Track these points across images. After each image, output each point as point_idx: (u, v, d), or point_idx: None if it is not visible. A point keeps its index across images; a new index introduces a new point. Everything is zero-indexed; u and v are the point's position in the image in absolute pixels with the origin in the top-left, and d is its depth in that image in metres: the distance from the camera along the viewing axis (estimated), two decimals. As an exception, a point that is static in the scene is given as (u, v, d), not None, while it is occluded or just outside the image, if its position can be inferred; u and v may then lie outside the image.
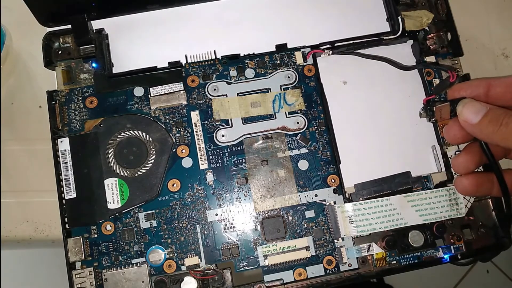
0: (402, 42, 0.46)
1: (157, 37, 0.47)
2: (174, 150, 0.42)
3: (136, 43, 0.46)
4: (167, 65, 0.44)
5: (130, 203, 0.41)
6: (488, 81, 0.34)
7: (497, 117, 0.31)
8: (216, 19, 0.47)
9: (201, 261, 0.40)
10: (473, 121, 0.32)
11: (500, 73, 0.51)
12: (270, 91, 0.43)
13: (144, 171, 0.41)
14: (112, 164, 0.41)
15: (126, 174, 0.41)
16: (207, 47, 0.45)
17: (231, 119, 0.43)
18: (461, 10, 0.48)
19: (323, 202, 0.41)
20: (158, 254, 0.40)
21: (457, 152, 0.43)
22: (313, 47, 0.44)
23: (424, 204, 0.40)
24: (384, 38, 0.45)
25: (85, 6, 0.43)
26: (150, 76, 0.43)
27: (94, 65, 0.44)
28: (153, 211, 0.41)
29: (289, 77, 0.44)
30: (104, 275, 0.40)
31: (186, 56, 0.44)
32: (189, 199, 0.41)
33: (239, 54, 0.44)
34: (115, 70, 0.45)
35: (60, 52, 0.44)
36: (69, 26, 0.44)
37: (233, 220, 0.41)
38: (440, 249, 0.41)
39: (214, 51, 0.45)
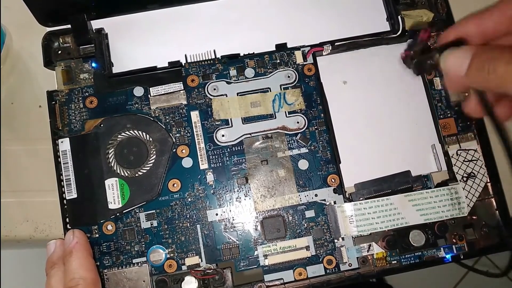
0: (403, 42, 0.46)
1: (157, 37, 0.47)
2: (174, 150, 0.42)
3: (136, 43, 0.46)
4: (167, 65, 0.44)
5: (131, 203, 0.41)
6: (477, 17, 0.31)
7: (483, 63, 0.27)
8: (216, 19, 0.47)
9: (201, 260, 0.40)
10: (461, 74, 0.28)
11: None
12: (270, 91, 0.43)
13: (144, 171, 0.41)
14: (112, 164, 0.41)
15: (126, 174, 0.41)
16: (207, 47, 0.45)
17: (231, 119, 0.43)
18: (461, 10, 0.47)
19: (323, 202, 0.41)
20: (159, 254, 0.40)
21: (458, 151, 0.42)
22: (313, 46, 0.44)
23: (425, 204, 0.40)
24: (384, 37, 0.45)
25: (84, 6, 0.43)
26: (150, 76, 0.43)
27: (94, 65, 0.44)
28: (154, 211, 0.41)
29: (289, 77, 0.44)
30: (106, 275, 0.40)
31: (186, 55, 0.44)
32: (189, 199, 0.41)
33: (239, 54, 0.44)
34: (115, 70, 0.45)
35: (60, 52, 0.44)
36: (69, 26, 0.44)
37: (233, 220, 0.41)
38: (442, 248, 0.41)
39: (214, 51, 0.45)
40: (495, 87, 0.27)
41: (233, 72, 0.44)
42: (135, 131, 0.42)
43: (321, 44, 0.44)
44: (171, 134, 0.42)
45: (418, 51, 0.33)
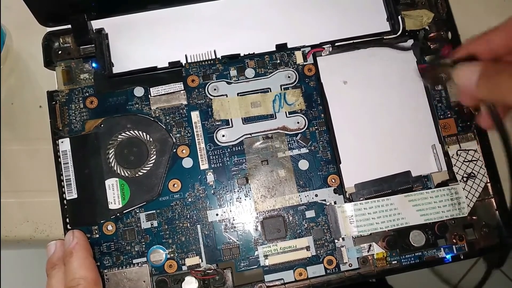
0: (403, 42, 0.46)
1: (157, 37, 0.47)
2: (174, 150, 0.42)
3: (136, 43, 0.46)
4: (167, 65, 0.44)
5: (131, 203, 0.41)
6: (485, 36, 0.33)
7: (489, 77, 0.29)
8: (216, 19, 0.47)
9: (202, 261, 0.40)
10: (472, 86, 0.30)
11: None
12: (270, 91, 0.43)
13: (144, 171, 0.41)
14: (112, 165, 0.41)
15: (127, 175, 0.41)
16: (207, 47, 0.45)
17: (231, 119, 0.43)
18: (461, 10, 0.48)
19: (324, 202, 0.41)
20: (159, 254, 0.40)
21: (458, 151, 0.42)
22: (313, 46, 0.44)
23: (425, 204, 0.40)
24: (385, 37, 0.45)
25: (85, 6, 0.43)
26: (150, 76, 0.43)
27: (94, 65, 0.44)
28: (154, 211, 0.41)
29: (289, 77, 0.44)
30: (106, 275, 0.40)
31: (186, 56, 0.44)
32: (189, 199, 0.41)
33: (239, 54, 0.44)
34: (115, 70, 0.45)
35: (60, 52, 0.44)
36: (69, 26, 0.44)
37: (234, 220, 0.41)
38: (442, 249, 0.41)
39: (214, 51, 0.45)
40: (499, 99, 0.29)
41: (233, 72, 0.44)
42: (136, 131, 0.42)
43: (321, 45, 0.44)
44: (171, 134, 0.42)
45: (434, 65, 0.35)
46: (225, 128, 0.43)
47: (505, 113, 0.33)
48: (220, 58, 0.44)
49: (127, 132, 0.42)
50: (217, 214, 0.41)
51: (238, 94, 0.43)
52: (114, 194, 0.41)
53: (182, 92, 0.43)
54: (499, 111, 0.31)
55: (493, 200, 0.42)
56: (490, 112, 0.31)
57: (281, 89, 0.43)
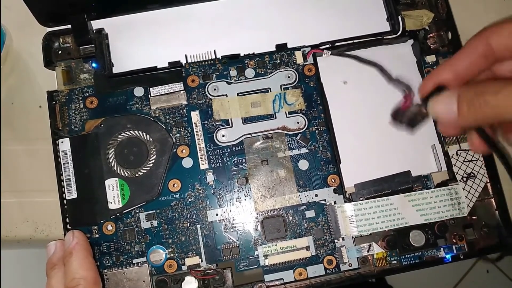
0: (403, 42, 0.46)
1: (157, 37, 0.47)
2: (174, 150, 0.42)
3: (136, 43, 0.46)
4: (167, 65, 0.44)
5: (131, 203, 0.41)
6: (450, 63, 0.30)
7: (472, 100, 0.27)
8: (216, 19, 0.47)
9: (201, 261, 0.40)
10: (453, 117, 0.28)
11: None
12: (270, 91, 0.43)
13: (144, 171, 0.41)
14: (112, 165, 0.41)
15: (126, 174, 0.41)
16: (207, 47, 0.45)
17: (231, 119, 0.43)
18: (461, 9, 0.48)
19: (324, 202, 0.41)
20: (159, 254, 0.40)
21: (458, 151, 0.42)
22: (313, 46, 0.44)
23: (425, 204, 0.40)
24: (385, 37, 0.45)
25: (85, 6, 0.43)
26: (150, 76, 0.43)
27: (94, 65, 0.44)
28: (154, 211, 0.41)
29: (289, 77, 0.44)
30: (106, 275, 0.40)
31: (186, 56, 0.44)
32: (189, 199, 0.41)
33: (239, 54, 0.44)
34: (115, 70, 0.45)
35: (60, 52, 0.44)
36: (69, 26, 0.44)
37: (234, 220, 0.41)
38: (441, 248, 0.41)
39: (214, 51, 0.45)
40: (492, 118, 0.27)
41: (233, 72, 0.44)
42: (135, 131, 0.42)
43: (321, 45, 0.44)
44: (171, 134, 0.42)
45: (404, 118, 0.33)
46: (225, 128, 0.43)
47: (493, 133, 0.31)
48: (220, 58, 0.44)
49: (127, 132, 0.42)
50: (217, 214, 0.41)
51: (238, 94, 0.43)
52: (114, 194, 0.41)
53: (182, 92, 0.43)
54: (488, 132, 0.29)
55: (493, 200, 0.42)
56: (481, 135, 0.29)
57: (281, 89, 0.43)
